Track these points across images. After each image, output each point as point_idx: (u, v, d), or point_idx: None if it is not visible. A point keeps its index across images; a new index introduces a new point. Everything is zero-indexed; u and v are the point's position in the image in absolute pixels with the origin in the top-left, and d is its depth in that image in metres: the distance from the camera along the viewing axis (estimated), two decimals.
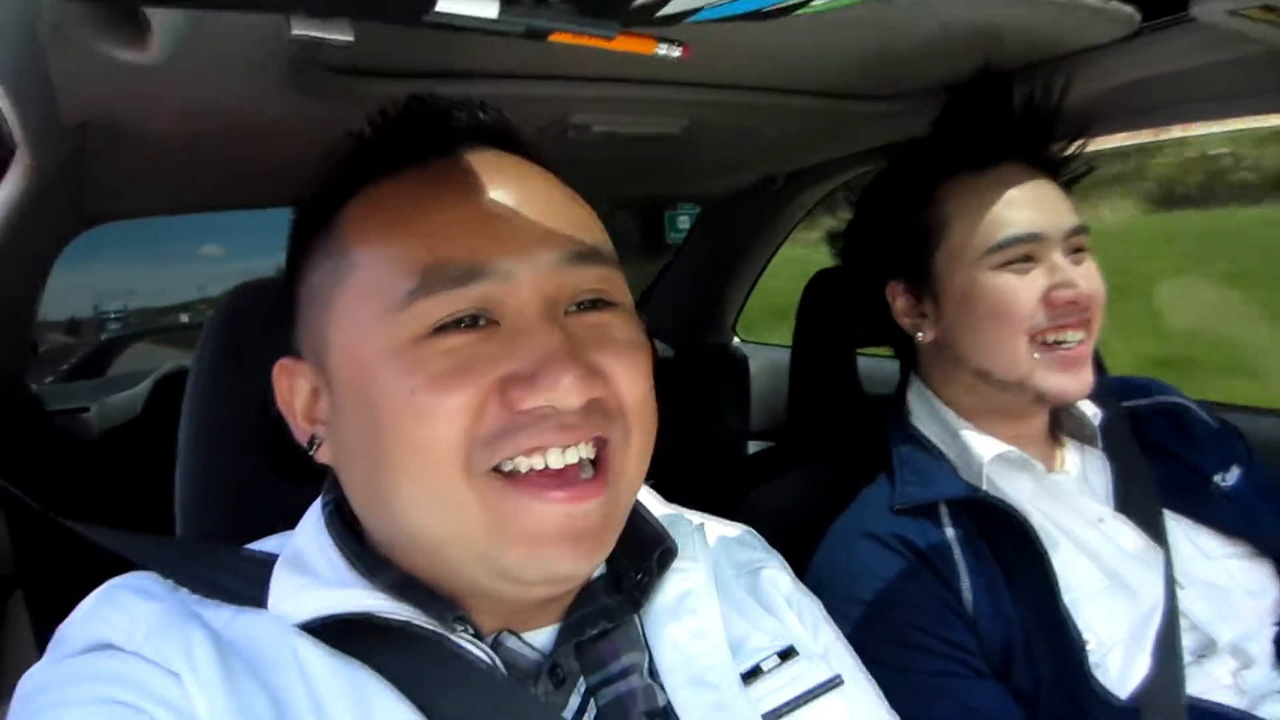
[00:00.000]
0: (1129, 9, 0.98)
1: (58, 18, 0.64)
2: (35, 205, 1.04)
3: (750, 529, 0.84)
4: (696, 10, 0.50)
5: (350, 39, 0.46)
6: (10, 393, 1.51)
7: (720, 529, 0.82)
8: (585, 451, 0.57)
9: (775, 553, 0.82)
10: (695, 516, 0.78)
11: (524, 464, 0.55)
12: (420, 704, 0.56)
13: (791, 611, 0.75)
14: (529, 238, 0.58)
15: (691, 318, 2.40)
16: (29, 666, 0.55)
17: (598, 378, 0.56)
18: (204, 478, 0.85)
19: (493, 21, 0.43)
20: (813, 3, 0.54)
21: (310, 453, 0.65)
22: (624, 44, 0.52)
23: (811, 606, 0.79)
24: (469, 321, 0.56)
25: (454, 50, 0.92)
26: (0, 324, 1.33)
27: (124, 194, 1.35)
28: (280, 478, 0.84)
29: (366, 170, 0.63)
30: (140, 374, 2.08)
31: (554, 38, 0.48)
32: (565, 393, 0.54)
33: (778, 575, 0.78)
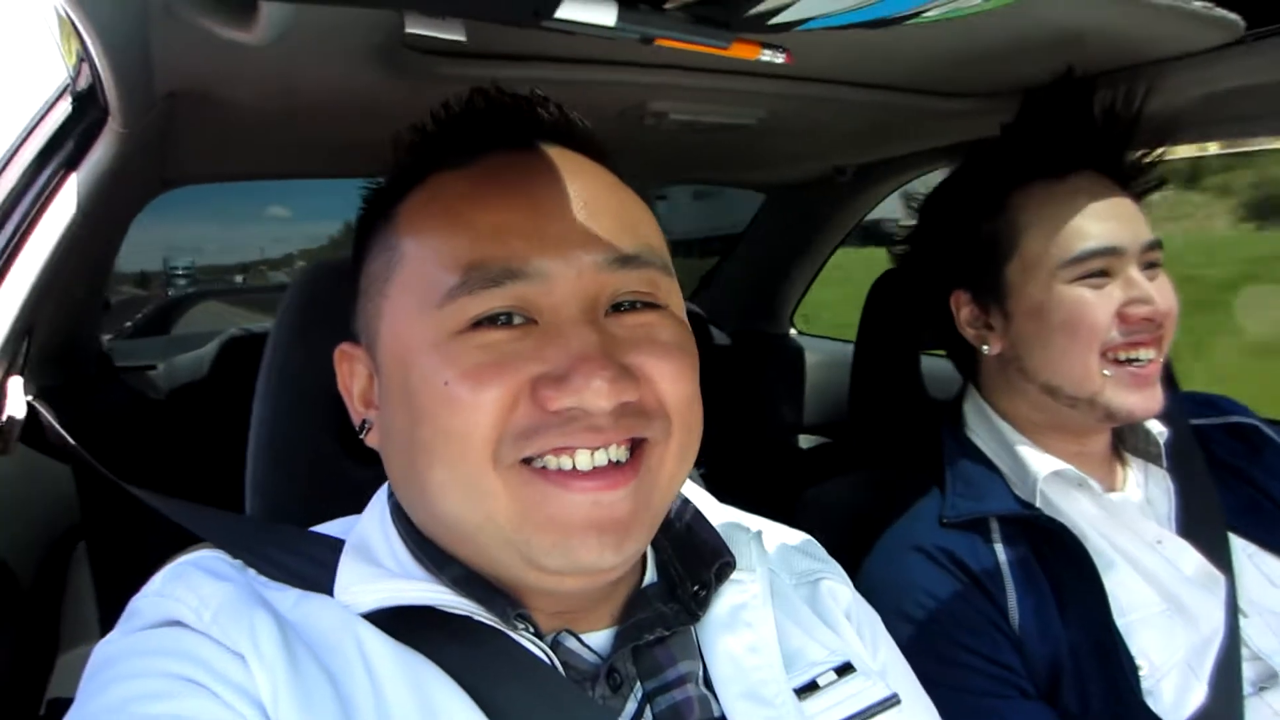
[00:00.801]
0: (1233, 15, 0.94)
1: None
2: (121, 169, 1.06)
3: (810, 538, 0.83)
4: (808, 19, 0.49)
5: (463, 38, 0.46)
6: (85, 348, 1.55)
7: (780, 536, 0.81)
8: (616, 454, 0.57)
9: (834, 563, 0.81)
10: (754, 522, 0.77)
11: (552, 462, 0.56)
12: (478, 696, 0.56)
13: (850, 625, 0.74)
14: (570, 240, 0.58)
15: (750, 306, 2.39)
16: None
17: (632, 380, 0.56)
18: (276, 454, 0.86)
19: (609, 29, 0.43)
20: (925, 14, 0.53)
21: (361, 436, 0.67)
22: (731, 50, 0.51)
23: (871, 621, 0.78)
24: (506, 318, 0.57)
25: (537, 34, 0.91)
26: (80, 283, 1.36)
27: (205, 160, 1.38)
28: (352, 459, 0.85)
29: (426, 164, 0.63)
30: (204, 335, 2.12)
31: (664, 43, 0.48)
32: (595, 395, 0.54)
33: (837, 587, 0.77)
